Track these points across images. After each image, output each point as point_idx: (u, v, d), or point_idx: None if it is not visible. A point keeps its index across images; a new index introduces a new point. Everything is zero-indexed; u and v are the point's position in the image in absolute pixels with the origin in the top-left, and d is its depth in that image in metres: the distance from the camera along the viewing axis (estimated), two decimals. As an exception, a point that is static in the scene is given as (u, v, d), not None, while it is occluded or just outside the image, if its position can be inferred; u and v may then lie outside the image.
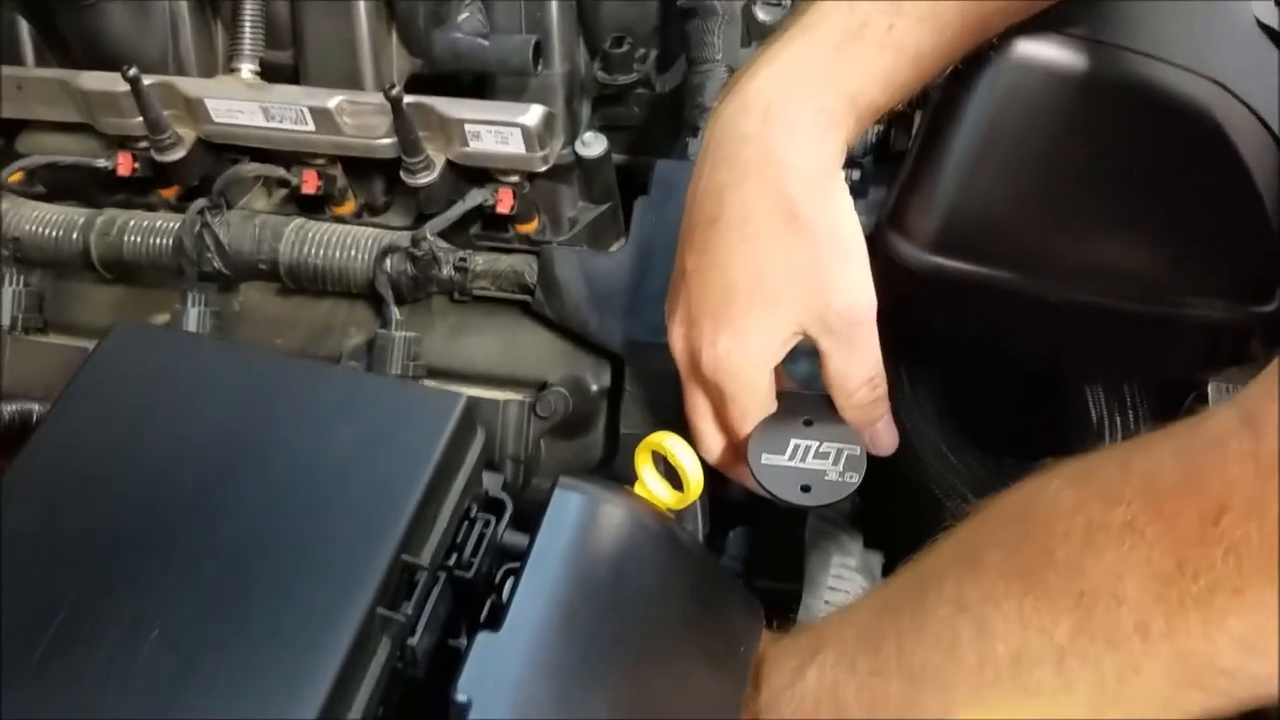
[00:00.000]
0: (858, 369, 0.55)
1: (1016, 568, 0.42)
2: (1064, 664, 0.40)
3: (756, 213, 0.54)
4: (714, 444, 0.60)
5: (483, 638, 0.44)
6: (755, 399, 0.56)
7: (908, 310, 0.61)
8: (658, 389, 0.70)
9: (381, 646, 0.45)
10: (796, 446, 0.57)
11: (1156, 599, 0.38)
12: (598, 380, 0.73)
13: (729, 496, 0.75)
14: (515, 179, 0.73)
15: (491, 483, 0.55)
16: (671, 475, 0.59)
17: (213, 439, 0.47)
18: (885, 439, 0.59)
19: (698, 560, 0.52)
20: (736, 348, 0.55)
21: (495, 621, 0.45)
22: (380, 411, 0.49)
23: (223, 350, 0.55)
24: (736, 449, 0.59)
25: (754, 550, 0.75)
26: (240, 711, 0.40)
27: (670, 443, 0.58)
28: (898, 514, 0.70)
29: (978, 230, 0.57)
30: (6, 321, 0.77)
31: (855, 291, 0.54)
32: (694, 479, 0.57)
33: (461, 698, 0.43)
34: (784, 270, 0.53)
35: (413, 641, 0.45)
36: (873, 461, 0.67)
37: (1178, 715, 0.40)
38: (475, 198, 0.70)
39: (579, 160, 0.74)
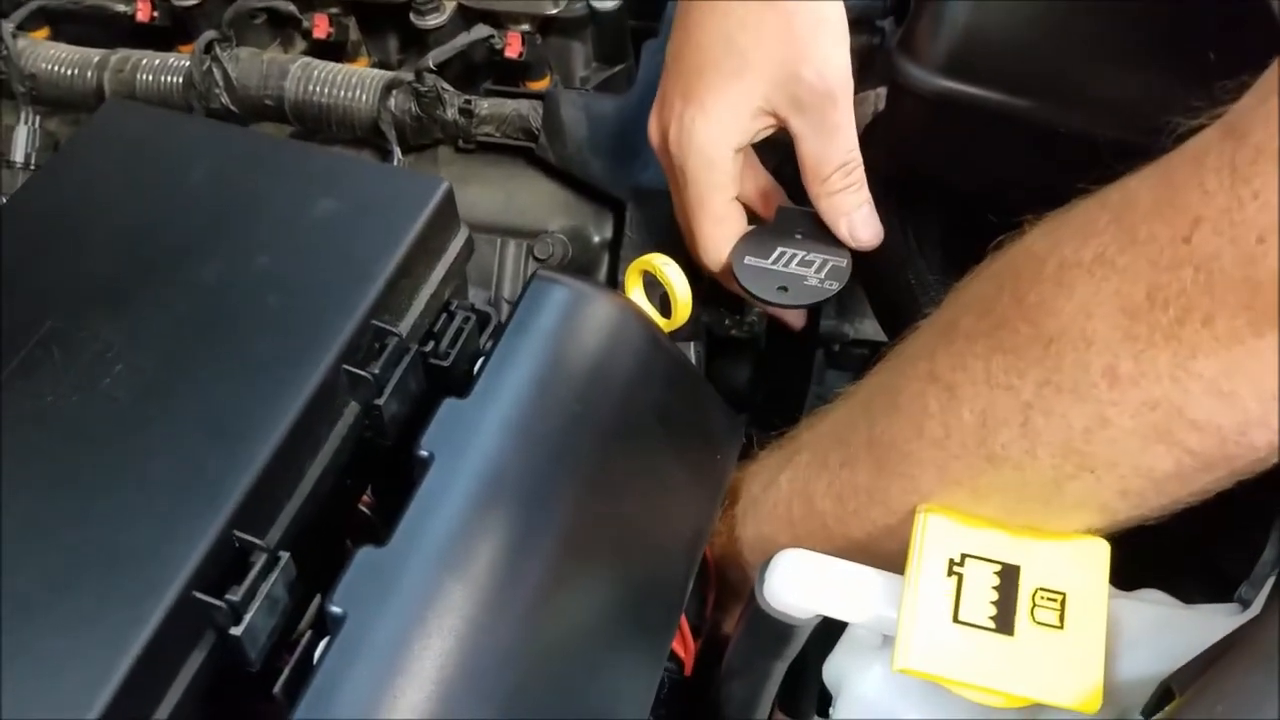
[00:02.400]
0: (831, 152, 0.54)
1: (988, 326, 0.41)
2: (1029, 423, 0.39)
3: None
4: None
5: (449, 402, 0.44)
6: (714, 179, 0.55)
7: (913, 145, 0.60)
8: (660, 236, 0.69)
9: (349, 409, 0.45)
10: (782, 253, 0.56)
11: (1125, 336, 0.36)
12: (599, 231, 0.72)
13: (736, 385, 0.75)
14: (526, 26, 0.72)
15: (478, 298, 0.55)
16: (663, 304, 0.58)
17: (193, 202, 0.47)
18: (864, 232, 0.57)
19: (679, 364, 0.51)
20: (700, 119, 0.54)
21: (463, 390, 0.45)
22: (362, 189, 0.48)
23: (209, 126, 0.55)
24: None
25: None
26: (196, 443, 0.40)
27: (659, 261, 0.57)
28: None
29: (989, 53, 0.55)
30: (20, 158, 0.78)
31: (828, 63, 0.52)
32: (682, 298, 0.57)
33: (424, 453, 0.42)
34: (753, 35, 0.52)
35: (379, 402, 0.44)
36: (877, 312, 0.67)
37: (1144, 477, 0.38)
38: (481, 31, 0.69)
39: (593, 15, 0.73)
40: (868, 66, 0.78)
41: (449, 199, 0.49)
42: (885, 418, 0.44)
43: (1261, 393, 0.35)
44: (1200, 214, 0.34)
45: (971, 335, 0.41)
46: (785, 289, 0.56)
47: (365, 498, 0.54)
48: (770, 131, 0.57)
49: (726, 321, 0.71)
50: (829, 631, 0.48)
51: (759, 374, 0.75)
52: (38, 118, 0.79)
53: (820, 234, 0.58)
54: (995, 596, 0.40)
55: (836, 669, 0.48)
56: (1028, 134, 0.57)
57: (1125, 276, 0.36)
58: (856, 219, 0.57)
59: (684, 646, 0.55)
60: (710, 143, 0.54)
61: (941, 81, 0.56)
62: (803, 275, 0.56)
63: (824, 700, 0.52)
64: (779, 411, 0.70)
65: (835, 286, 0.56)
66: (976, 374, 0.40)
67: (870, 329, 0.79)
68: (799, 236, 0.58)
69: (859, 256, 0.60)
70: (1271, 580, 0.44)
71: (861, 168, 0.56)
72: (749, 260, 0.57)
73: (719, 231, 0.58)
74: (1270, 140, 0.33)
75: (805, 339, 0.74)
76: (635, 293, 0.59)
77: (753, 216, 0.63)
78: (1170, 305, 0.35)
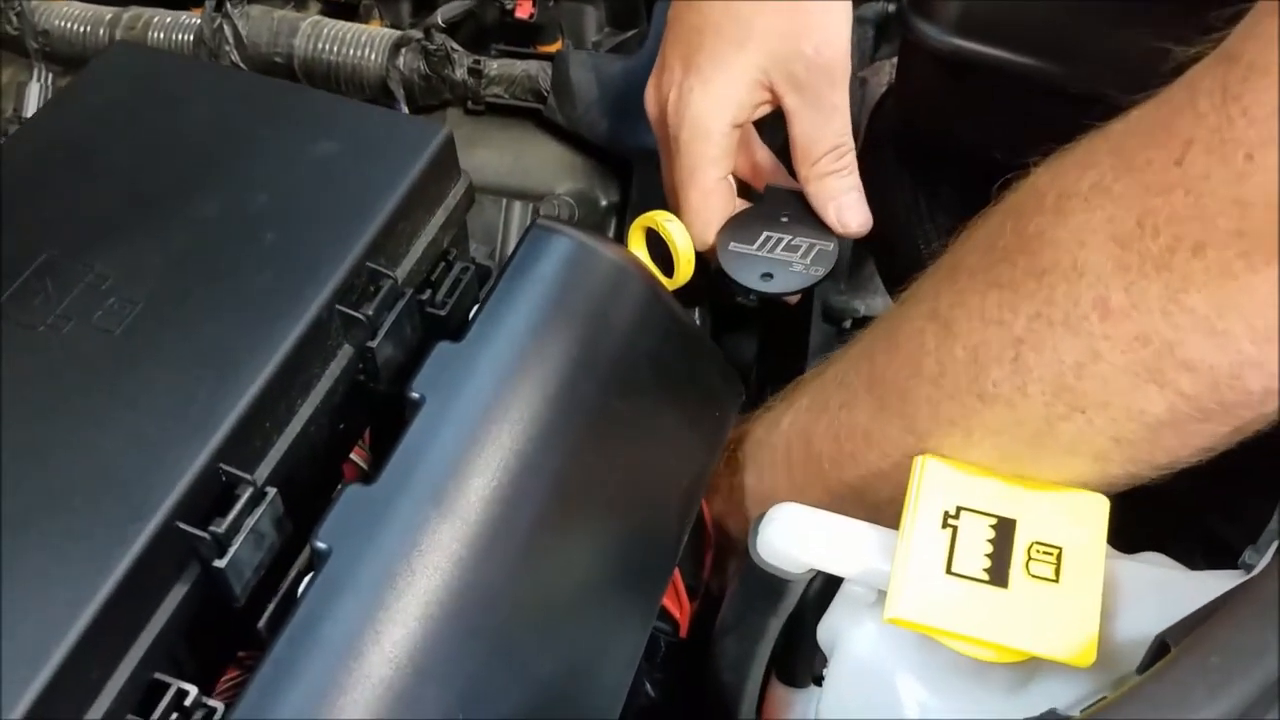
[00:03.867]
0: (823, 134, 0.53)
1: (989, 262, 0.40)
2: (1020, 358, 0.38)
3: None
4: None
5: (442, 345, 0.43)
6: (706, 153, 0.54)
7: (925, 107, 0.59)
8: (666, 201, 0.69)
9: (343, 351, 0.44)
10: (768, 238, 0.55)
11: (1116, 266, 0.36)
12: (606, 195, 0.72)
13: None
14: (538, -12, 0.72)
15: (481, 254, 0.55)
16: (665, 262, 0.58)
17: (193, 140, 0.47)
18: (852, 218, 0.55)
19: (679, 318, 0.51)
20: (699, 88, 0.53)
21: (458, 334, 0.44)
22: (361, 131, 0.48)
23: (211, 69, 0.55)
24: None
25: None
26: (186, 375, 0.39)
27: (663, 218, 0.57)
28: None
29: (1001, 10, 0.55)
30: (32, 113, 0.78)
31: (828, 41, 0.51)
32: (684, 253, 0.56)
33: (415, 395, 0.42)
34: (757, 4, 0.51)
35: (372, 345, 0.44)
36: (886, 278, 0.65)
37: (1136, 421, 0.37)
38: (492, -10, 0.69)
39: (605, -23, 0.73)
40: (884, 34, 0.77)
41: (449, 145, 0.49)
42: (885, 357, 0.44)
43: (1255, 333, 0.34)
44: (1192, 135, 0.34)
45: (973, 272, 0.41)
46: (770, 275, 0.55)
47: (362, 451, 0.53)
48: (768, 109, 0.56)
49: (731, 290, 0.70)
50: (827, 594, 0.48)
51: (764, 343, 0.74)
52: (50, 75, 0.79)
53: (809, 217, 0.56)
54: (990, 549, 0.40)
55: (830, 628, 0.47)
56: (1039, 94, 0.56)
57: (1119, 203, 0.36)
58: (845, 203, 0.55)
59: (680, 608, 0.55)
60: (706, 114, 0.53)
61: (954, 40, 0.56)
62: (788, 261, 0.55)
63: (819, 667, 0.51)
64: (778, 383, 0.70)
65: (821, 273, 0.54)
66: (972, 309, 0.40)
67: (881, 306, 0.78)
68: (786, 219, 0.56)
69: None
70: (1276, 544, 0.44)
71: (853, 153, 0.55)
72: (733, 246, 0.55)
73: (706, 206, 0.57)
74: (1260, 57, 0.32)
75: (801, 314, 0.73)
76: (638, 250, 0.58)
77: (749, 192, 0.62)
78: (1161, 232, 0.34)
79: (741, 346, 0.74)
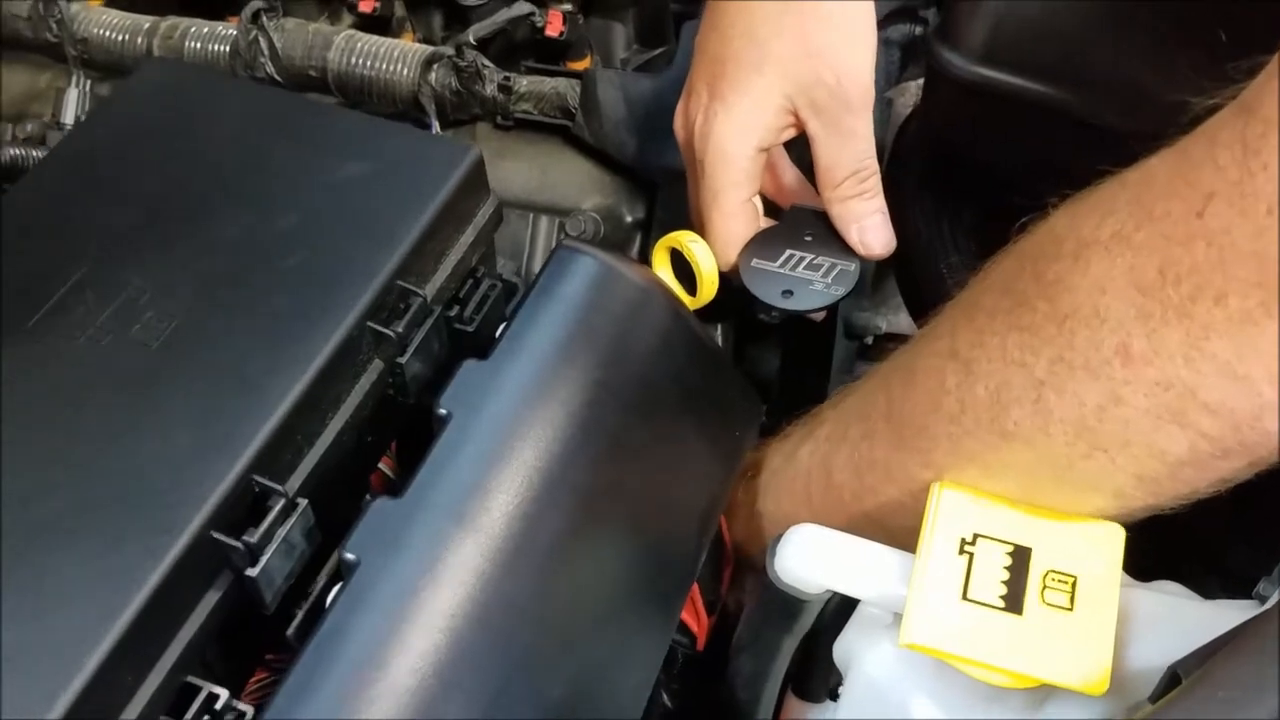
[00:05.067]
0: (845, 157, 0.53)
1: (1009, 304, 0.40)
2: (1042, 399, 0.39)
3: None
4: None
5: (469, 363, 0.44)
6: (730, 176, 0.54)
7: (949, 134, 0.60)
8: (691, 220, 0.69)
9: (373, 366, 0.45)
10: (790, 256, 0.56)
11: (1138, 313, 0.36)
12: (632, 212, 0.73)
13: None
14: (568, 5, 0.73)
15: (508, 271, 0.55)
16: (689, 280, 0.58)
17: (227, 158, 0.48)
18: (874, 240, 0.56)
19: (701, 339, 0.52)
20: (723, 114, 0.53)
21: (485, 352, 0.45)
22: (393, 151, 0.49)
23: (245, 86, 0.56)
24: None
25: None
26: (221, 388, 0.41)
27: (687, 239, 0.58)
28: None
29: (1025, 42, 0.55)
30: (69, 119, 0.79)
31: (847, 67, 0.52)
32: (707, 274, 0.57)
33: (442, 410, 0.43)
34: (775, 28, 0.52)
35: (402, 360, 0.45)
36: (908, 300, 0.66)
37: (1158, 460, 0.38)
38: (522, 8, 0.70)
39: (634, -6, 0.74)
40: (910, 56, 0.78)
41: (479, 166, 0.50)
42: (903, 392, 0.44)
43: (1276, 377, 0.35)
44: (1213, 188, 0.34)
45: (992, 313, 0.41)
46: (790, 293, 0.56)
47: (389, 460, 0.54)
48: (793, 133, 0.57)
49: (752, 308, 0.71)
50: (844, 612, 0.48)
51: (786, 359, 0.75)
52: (88, 82, 0.81)
53: (832, 237, 0.57)
54: (1006, 576, 0.40)
55: (846, 648, 0.48)
56: (1062, 123, 0.57)
57: (1140, 253, 0.36)
58: (868, 226, 0.55)
59: (697, 621, 0.56)
60: (730, 139, 0.54)
61: (979, 69, 0.56)
62: (809, 280, 0.55)
63: (838, 684, 0.52)
64: (801, 399, 0.71)
65: (841, 292, 0.55)
66: (993, 350, 0.40)
67: (904, 323, 0.78)
68: (809, 239, 0.57)
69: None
70: (1290, 577, 0.44)
71: (877, 176, 0.56)
72: (756, 263, 0.56)
73: (729, 228, 0.57)
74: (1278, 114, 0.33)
75: (825, 331, 0.74)
76: (661, 272, 0.59)
77: (775, 211, 0.63)
78: (1183, 281, 0.35)
79: (763, 362, 0.74)
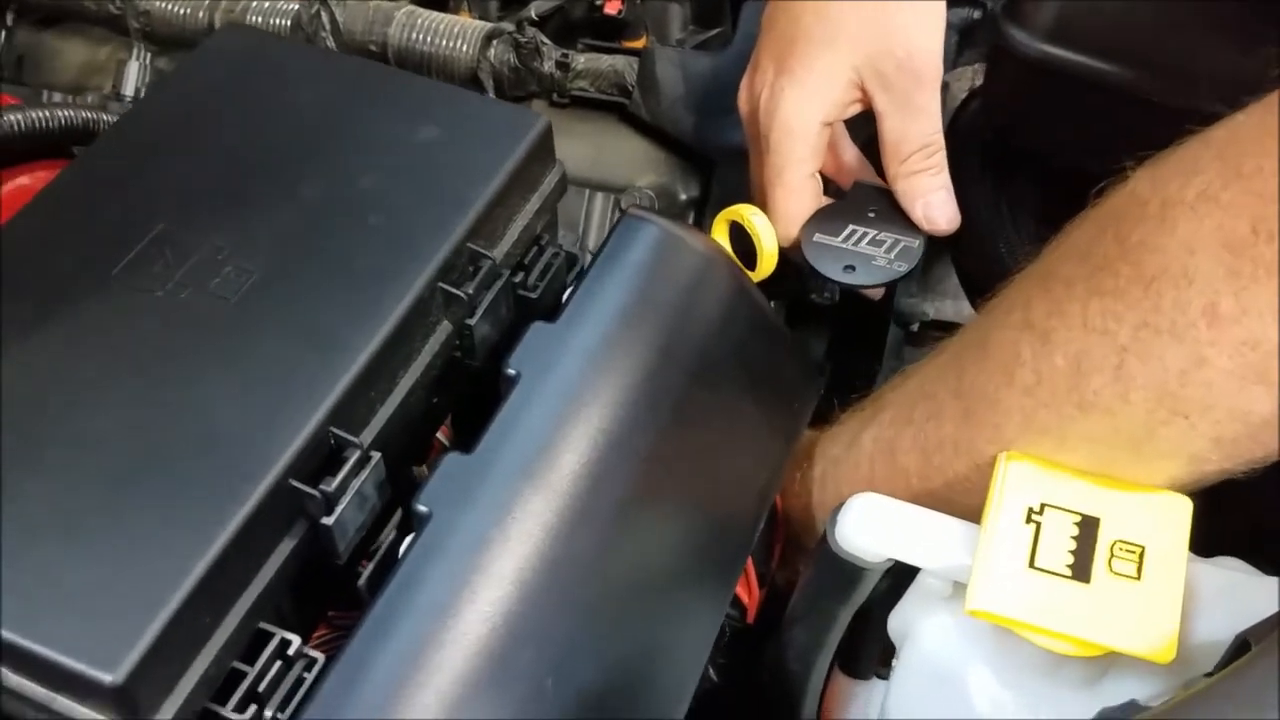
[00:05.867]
0: (913, 132, 0.54)
1: (1088, 270, 0.40)
2: (1124, 367, 0.39)
3: None
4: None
5: (538, 325, 0.45)
6: (795, 151, 0.55)
7: (1011, 112, 0.60)
8: (747, 197, 0.69)
9: (442, 328, 0.46)
10: (853, 231, 0.56)
11: (1228, 273, 0.36)
12: (687, 190, 0.73)
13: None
14: (627, -16, 0.73)
15: (565, 241, 0.56)
16: (747, 256, 0.59)
17: (302, 121, 0.49)
18: (939, 216, 0.56)
19: (762, 310, 0.52)
20: (790, 88, 0.54)
21: (551, 316, 0.46)
22: (464, 118, 0.50)
23: (319, 53, 0.56)
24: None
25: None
26: (299, 342, 0.41)
27: (749, 212, 0.58)
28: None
29: (1093, 20, 0.55)
30: (130, 92, 0.81)
31: (918, 42, 0.52)
32: (768, 248, 0.57)
33: (511, 370, 0.44)
34: (847, 4, 0.52)
35: (471, 322, 0.46)
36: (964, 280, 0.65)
37: (1240, 422, 0.38)
38: (582, -13, 0.71)
39: (692, -23, 0.74)
40: (968, 40, 0.78)
41: (547, 134, 0.50)
42: (975, 367, 0.44)
43: None
44: None
45: (1070, 281, 0.41)
46: (852, 268, 0.56)
47: (445, 429, 0.55)
48: (860, 108, 0.57)
49: (809, 286, 0.71)
50: (897, 587, 0.48)
51: (833, 342, 0.75)
52: (149, 55, 0.82)
53: (895, 214, 0.57)
54: (1073, 545, 0.40)
55: (902, 619, 0.48)
56: (1126, 104, 0.56)
57: (1229, 211, 0.36)
58: (933, 201, 0.55)
59: (749, 593, 0.56)
60: (796, 113, 0.54)
61: (1045, 47, 0.56)
62: (872, 255, 0.56)
63: (884, 659, 0.52)
64: (848, 384, 0.71)
65: (904, 268, 0.55)
66: (1073, 319, 0.40)
67: (951, 310, 0.78)
68: (872, 215, 0.57)
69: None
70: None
71: (943, 152, 0.56)
72: (818, 237, 0.57)
73: (792, 204, 0.58)
74: None
75: (880, 313, 0.74)
76: (721, 242, 0.59)
77: (835, 190, 0.63)
78: (1275, 237, 0.35)
79: (811, 346, 0.75)
